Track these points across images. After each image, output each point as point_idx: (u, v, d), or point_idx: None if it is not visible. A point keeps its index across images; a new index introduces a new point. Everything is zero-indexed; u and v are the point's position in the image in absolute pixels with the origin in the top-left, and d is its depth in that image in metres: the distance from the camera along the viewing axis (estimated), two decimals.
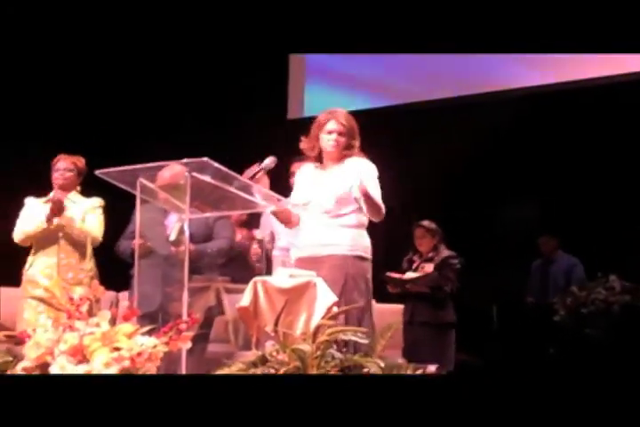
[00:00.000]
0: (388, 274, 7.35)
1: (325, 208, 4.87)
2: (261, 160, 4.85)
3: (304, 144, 5.01)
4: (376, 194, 4.83)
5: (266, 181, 4.85)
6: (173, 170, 4.71)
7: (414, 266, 7.54)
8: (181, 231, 5.57)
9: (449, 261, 7.40)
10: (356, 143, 4.95)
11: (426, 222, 7.54)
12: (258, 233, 6.42)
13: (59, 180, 6.02)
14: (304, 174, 5.07)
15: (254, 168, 4.80)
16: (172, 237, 5.63)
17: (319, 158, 5.02)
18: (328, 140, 4.91)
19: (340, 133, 4.90)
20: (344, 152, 4.93)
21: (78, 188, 6.10)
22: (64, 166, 6.03)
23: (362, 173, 4.79)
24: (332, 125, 4.91)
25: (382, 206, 4.85)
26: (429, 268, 7.39)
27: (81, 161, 6.09)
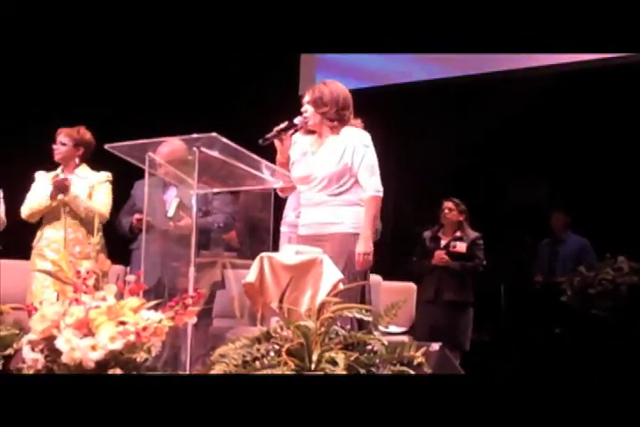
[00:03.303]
0: (439, 253, 7.49)
1: (323, 185, 4.85)
2: (290, 120, 4.85)
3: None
4: (370, 165, 4.81)
5: (290, 141, 4.87)
6: (173, 145, 4.73)
7: (443, 243, 7.58)
8: (179, 207, 5.60)
9: (477, 242, 7.49)
10: (339, 112, 4.84)
11: (456, 198, 7.61)
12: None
13: (55, 155, 6.01)
14: (297, 146, 5.00)
15: (284, 124, 4.81)
16: (171, 212, 5.65)
17: (311, 131, 4.97)
18: (302, 110, 4.89)
19: (308, 102, 4.87)
20: (327, 123, 4.86)
21: (83, 165, 6.07)
22: (59, 141, 6.01)
23: (355, 147, 4.77)
24: (305, 97, 4.90)
25: (378, 191, 4.82)
26: (462, 247, 7.45)
27: (80, 132, 6.02)
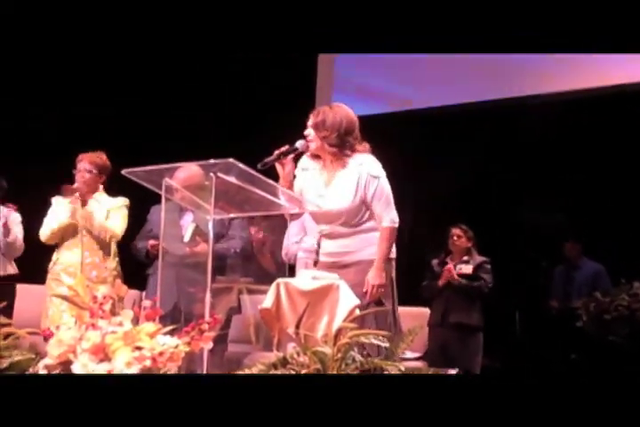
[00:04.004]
0: (449, 266, 7.51)
1: (341, 220, 4.79)
2: (291, 144, 4.78)
3: None
4: (384, 196, 4.76)
5: (292, 165, 4.81)
6: (190, 171, 4.73)
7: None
8: (196, 232, 5.60)
9: (484, 265, 7.50)
10: (340, 137, 4.72)
11: (463, 225, 7.63)
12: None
13: (78, 183, 5.99)
14: (308, 175, 4.91)
15: (285, 148, 4.75)
16: (187, 237, 5.65)
17: (318, 156, 4.89)
18: (305, 134, 4.81)
19: (311, 126, 4.77)
20: (328, 148, 4.76)
21: (101, 187, 6.10)
22: (84, 167, 6.01)
23: (367, 179, 4.72)
24: (309, 120, 4.81)
25: (394, 222, 4.77)
26: (468, 269, 7.47)
27: (101, 158, 6.04)
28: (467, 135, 9.08)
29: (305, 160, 4.92)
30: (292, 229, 5.70)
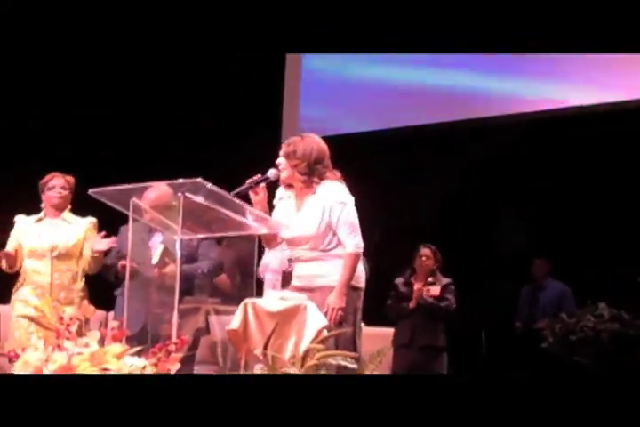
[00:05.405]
0: (419, 287, 7.52)
1: (310, 245, 4.85)
2: (263, 172, 4.85)
3: None
4: (349, 222, 4.81)
5: (265, 193, 4.87)
6: (159, 190, 4.72)
7: (417, 288, 7.62)
8: (165, 253, 5.58)
9: (449, 286, 7.55)
10: (310, 166, 4.83)
11: (432, 245, 7.66)
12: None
13: (55, 198, 5.90)
14: (283, 204, 5.01)
15: (256, 177, 4.82)
16: (155, 259, 5.62)
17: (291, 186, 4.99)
18: (277, 163, 4.92)
19: (282, 155, 4.88)
20: (299, 177, 4.86)
21: (67, 209, 6.05)
22: (60, 184, 5.94)
23: (332, 206, 4.78)
24: (281, 150, 4.92)
25: (358, 247, 4.80)
26: (436, 290, 7.50)
27: (72, 180, 6.02)
28: (435, 155, 9.12)
29: (281, 190, 5.02)
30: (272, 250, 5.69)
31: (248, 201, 4.81)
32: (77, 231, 5.92)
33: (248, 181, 4.80)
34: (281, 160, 4.88)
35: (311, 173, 4.85)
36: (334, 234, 4.84)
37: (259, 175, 4.84)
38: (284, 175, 4.88)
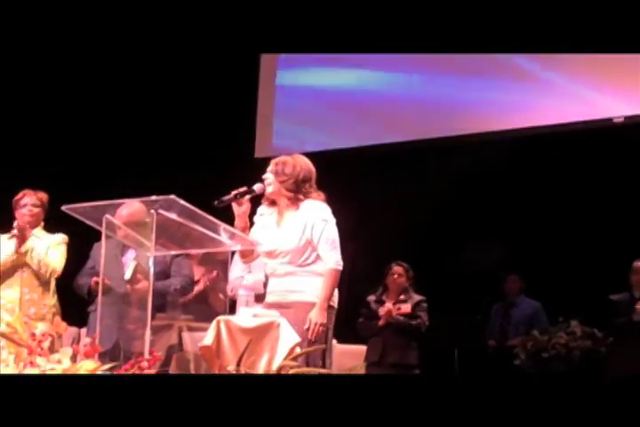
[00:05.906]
0: (389, 306, 7.52)
1: (288, 259, 4.89)
2: (249, 186, 4.88)
3: None
4: (330, 240, 4.86)
5: (248, 205, 4.91)
6: (132, 207, 4.73)
7: (388, 306, 7.62)
8: (137, 270, 5.57)
9: (421, 304, 7.56)
10: (297, 184, 4.90)
11: (404, 263, 7.68)
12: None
13: (26, 216, 5.92)
14: (262, 219, 5.06)
15: (242, 189, 4.85)
16: (128, 275, 5.62)
17: (274, 203, 5.04)
18: (263, 178, 4.96)
19: (270, 171, 4.94)
20: (284, 193, 4.92)
21: (40, 226, 6.04)
22: (32, 202, 5.95)
23: (314, 222, 4.83)
24: (269, 167, 4.98)
25: (339, 264, 4.85)
26: (407, 308, 7.50)
27: (45, 197, 6.01)
28: (407, 172, 9.15)
29: (262, 207, 5.07)
30: (237, 267, 5.70)
31: (231, 212, 4.85)
32: (46, 247, 5.91)
33: (233, 191, 4.83)
34: (268, 175, 4.94)
35: (297, 190, 4.91)
36: (313, 250, 4.88)
37: (245, 187, 4.87)
38: (270, 190, 4.93)
